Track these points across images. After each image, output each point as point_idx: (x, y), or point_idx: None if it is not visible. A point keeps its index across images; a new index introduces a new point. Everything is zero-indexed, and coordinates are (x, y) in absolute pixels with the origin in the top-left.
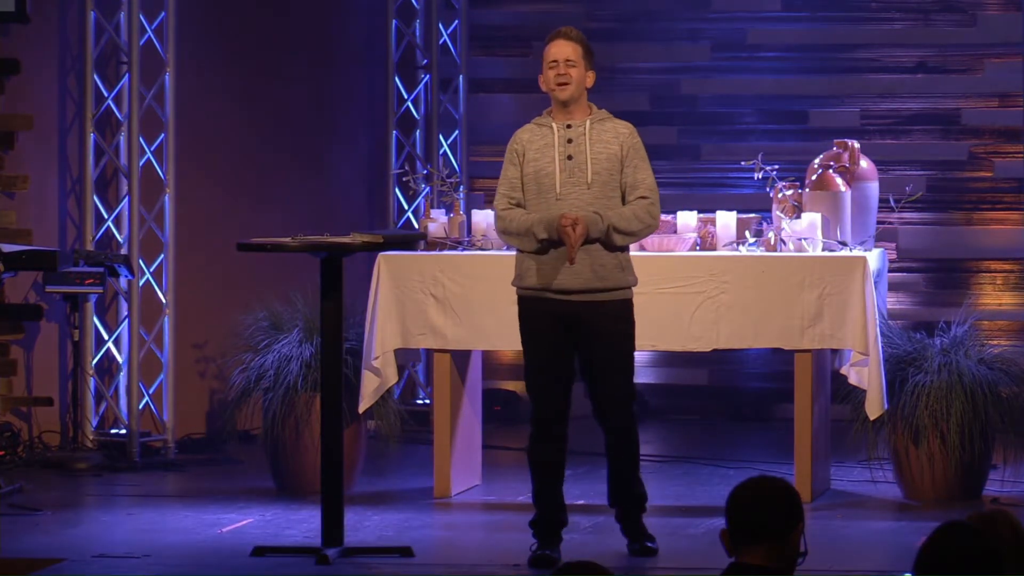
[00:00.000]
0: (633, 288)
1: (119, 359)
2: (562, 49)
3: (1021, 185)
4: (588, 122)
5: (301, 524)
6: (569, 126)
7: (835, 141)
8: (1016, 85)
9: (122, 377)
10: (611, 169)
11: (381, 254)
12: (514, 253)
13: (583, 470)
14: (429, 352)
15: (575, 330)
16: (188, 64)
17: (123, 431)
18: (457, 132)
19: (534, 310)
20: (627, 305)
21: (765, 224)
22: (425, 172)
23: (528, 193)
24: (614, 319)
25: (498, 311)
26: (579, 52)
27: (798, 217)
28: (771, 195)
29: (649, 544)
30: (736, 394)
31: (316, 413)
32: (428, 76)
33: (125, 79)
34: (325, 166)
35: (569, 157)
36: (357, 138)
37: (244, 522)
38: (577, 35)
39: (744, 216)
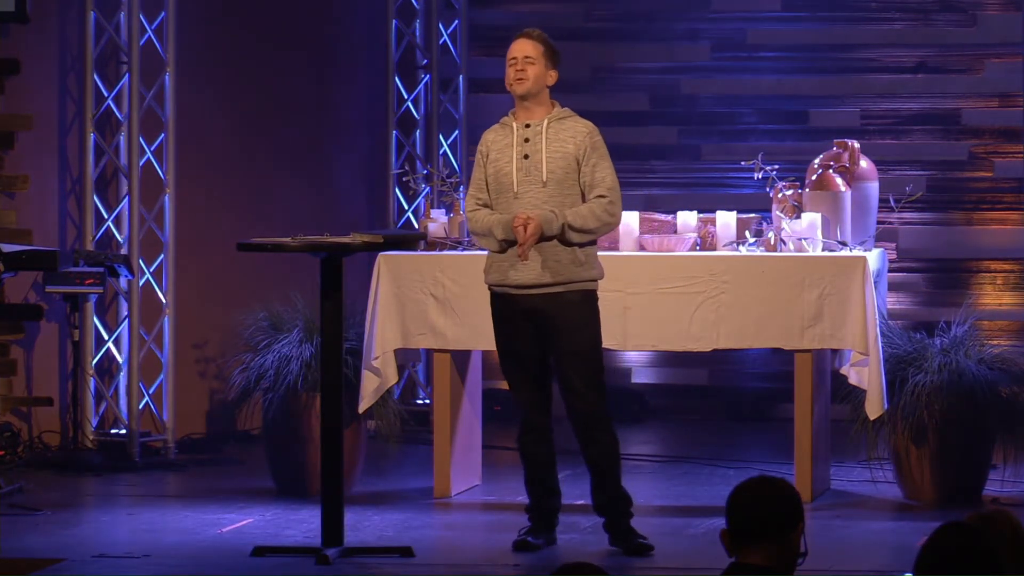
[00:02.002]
0: (597, 282)
1: (119, 359)
2: (521, 47)
3: (1021, 185)
4: (546, 121)
5: (301, 524)
6: (528, 125)
7: (835, 141)
8: (1016, 85)
9: (122, 377)
10: (566, 168)
11: (381, 254)
12: None
13: (582, 470)
14: (429, 352)
15: (538, 324)
16: (188, 64)
17: (123, 431)
18: (457, 132)
19: (499, 305)
20: (586, 297)
21: (765, 224)
22: (425, 172)
23: (492, 193)
24: (571, 311)
25: None
26: (539, 50)
27: (798, 217)
28: (771, 195)
29: (642, 541)
30: (736, 394)
31: (316, 413)
32: (428, 76)
33: (125, 79)
34: (325, 166)
35: (525, 156)
36: (357, 138)
37: (244, 522)
38: (539, 35)
39: (744, 216)
